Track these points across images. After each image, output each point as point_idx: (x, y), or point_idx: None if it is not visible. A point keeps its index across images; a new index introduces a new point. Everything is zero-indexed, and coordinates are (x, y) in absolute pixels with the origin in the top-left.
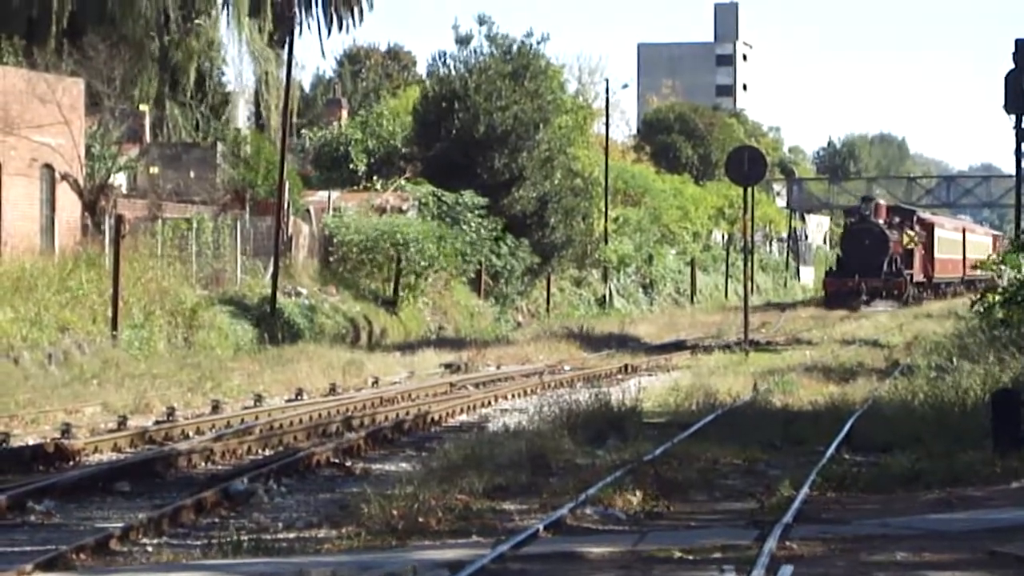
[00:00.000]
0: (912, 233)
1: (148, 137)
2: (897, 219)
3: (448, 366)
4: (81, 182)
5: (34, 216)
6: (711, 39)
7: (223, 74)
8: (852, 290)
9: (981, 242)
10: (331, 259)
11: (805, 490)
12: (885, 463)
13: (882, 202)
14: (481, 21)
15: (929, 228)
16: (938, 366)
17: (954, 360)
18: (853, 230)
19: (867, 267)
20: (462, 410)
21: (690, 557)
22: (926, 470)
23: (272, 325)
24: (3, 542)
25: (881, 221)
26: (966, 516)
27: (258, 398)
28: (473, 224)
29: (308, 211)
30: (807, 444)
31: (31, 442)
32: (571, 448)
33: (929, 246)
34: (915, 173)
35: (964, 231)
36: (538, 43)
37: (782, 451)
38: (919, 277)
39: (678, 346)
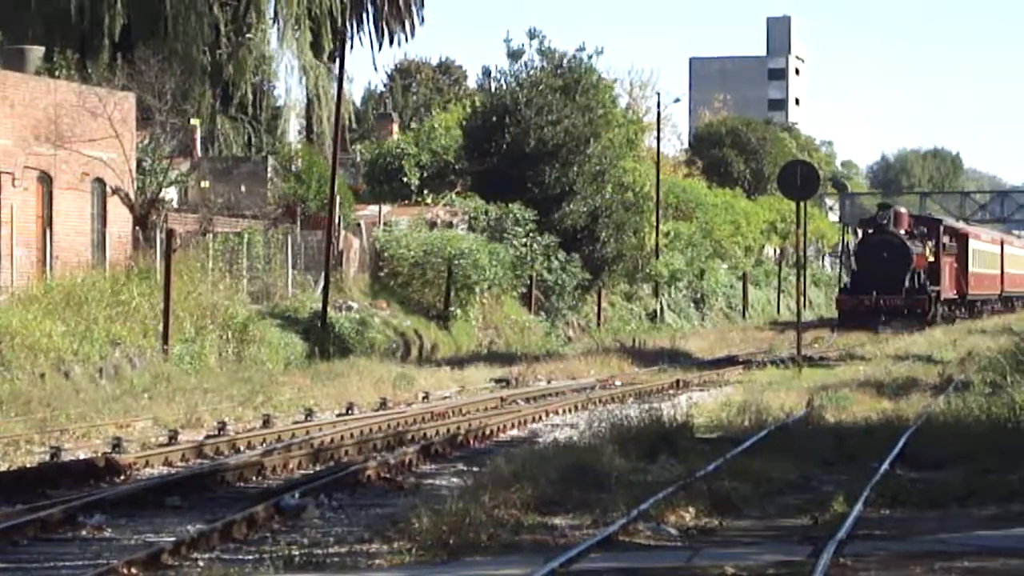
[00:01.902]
0: (932, 244)
1: (199, 151)
2: (921, 229)
3: (499, 381)
4: (132, 196)
5: (85, 230)
6: (763, 53)
7: (274, 88)
8: (869, 309)
9: (1019, 255)
10: (382, 273)
11: (859, 506)
12: (940, 479)
13: (903, 210)
14: (532, 35)
15: (962, 239)
16: (993, 382)
17: (1008, 376)
18: (870, 242)
19: (886, 283)
20: (513, 425)
21: (744, 574)
22: (981, 486)
23: (323, 339)
24: (55, 556)
25: (902, 231)
26: (1022, 532)
27: (309, 412)
28: (523, 239)
29: (359, 225)
30: (861, 460)
31: (82, 456)
32: (622, 464)
33: (962, 259)
34: (969, 188)
35: (1002, 243)
36: (590, 57)
37: (835, 467)
38: (949, 294)
39: (730, 361)
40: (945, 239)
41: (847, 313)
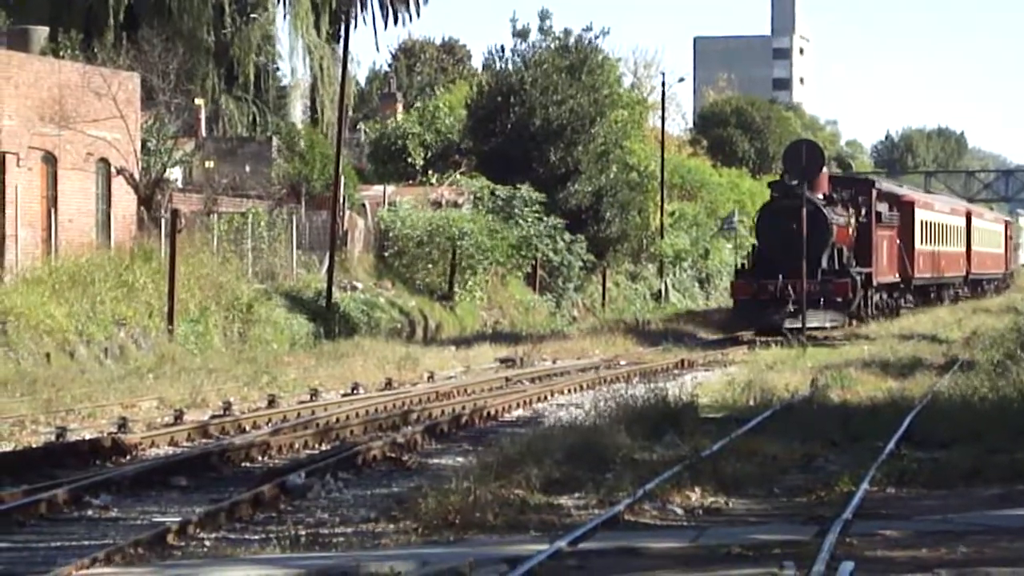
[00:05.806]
0: (863, 213)
1: (203, 131)
2: (847, 192)
3: (504, 361)
4: (137, 176)
5: (90, 210)
6: (768, 32)
7: (278, 68)
8: (773, 298)
9: (990, 230)
10: (386, 253)
11: (865, 486)
12: (945, 459)
13: (823, 170)
14: (543, 16)
15: (906, 208)
16: (999, 361)
17: (1017, 354)
18: (774, 208)
19: (795, 264)
20: (518, 405)
21: (749, 553)
22: (987, 465)
23: (328, 320)
24: (61, 536)
25: (820, 195)
26: None
27: (314, 392)
28: (529, 219)
29: (364, 205)
30: (866, 440)
31: (88, 436)
32: (628, 443)
33: (907, 234)
34: (973, 167)
35: (969, 215)
36: (596, 37)
37: (841, 447)
38: (886, 277)
39: (734, 341)
40: (881, 207)
41: (745, 303)
